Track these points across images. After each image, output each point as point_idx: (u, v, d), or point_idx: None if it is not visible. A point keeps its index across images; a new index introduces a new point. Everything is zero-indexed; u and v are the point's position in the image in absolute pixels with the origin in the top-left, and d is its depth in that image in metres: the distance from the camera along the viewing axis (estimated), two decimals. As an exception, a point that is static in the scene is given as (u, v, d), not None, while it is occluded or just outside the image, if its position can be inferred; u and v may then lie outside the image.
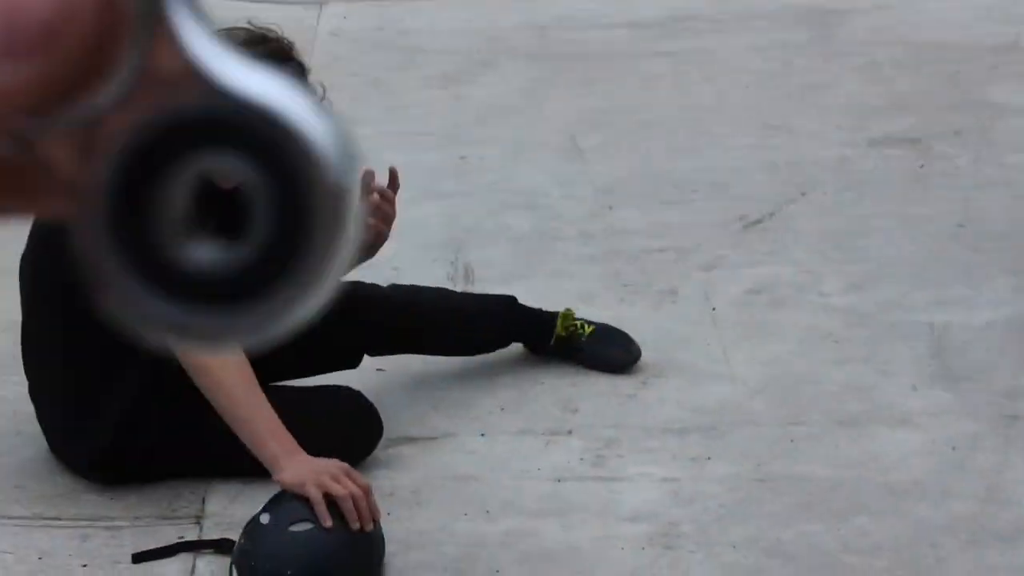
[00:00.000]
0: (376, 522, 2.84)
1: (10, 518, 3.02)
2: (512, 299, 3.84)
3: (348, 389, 3.38)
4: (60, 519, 3.04)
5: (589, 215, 4.88)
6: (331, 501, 2.77)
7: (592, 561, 2.92)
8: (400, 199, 5.05)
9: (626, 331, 3.77)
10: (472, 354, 3.71)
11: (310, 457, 2.87)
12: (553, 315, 3.78)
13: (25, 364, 3.18)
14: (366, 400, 3.33)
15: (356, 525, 2.78)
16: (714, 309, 4.03)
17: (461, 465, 3.29)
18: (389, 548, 2.91)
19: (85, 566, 2.88)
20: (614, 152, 5.52)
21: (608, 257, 4.50)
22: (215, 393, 2.91)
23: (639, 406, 3.55)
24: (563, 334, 3.73)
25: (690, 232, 4.65)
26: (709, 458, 3.30)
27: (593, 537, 3.00)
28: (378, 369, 3.76)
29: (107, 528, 3.02)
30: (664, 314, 4.06)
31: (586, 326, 3.78)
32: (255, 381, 2.91)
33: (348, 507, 2.77)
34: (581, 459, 3.31)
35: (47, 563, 2.88)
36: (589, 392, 3.62)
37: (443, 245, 4.60)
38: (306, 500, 2.77)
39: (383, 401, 3.60)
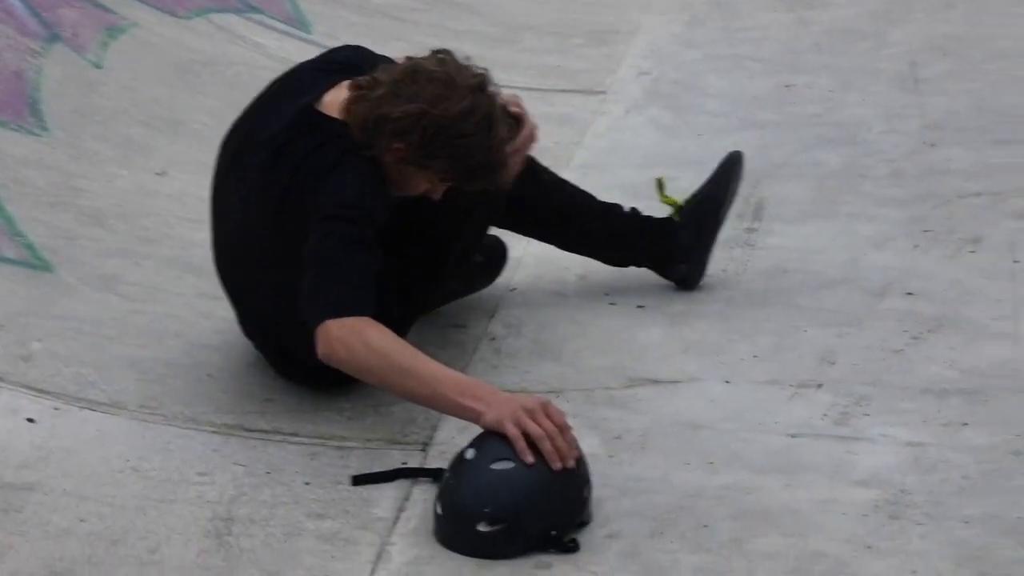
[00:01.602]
0: (581, 461, 2.77)
1: (252, 431, 3.13)
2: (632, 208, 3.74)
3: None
4: (297, 435, 3.13)
5: (908, 153, 4.56)
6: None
7: (807, 525, 2.73)
8: (712, 127, 4.92)
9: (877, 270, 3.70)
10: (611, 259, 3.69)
11: (507, 395, 2.82)
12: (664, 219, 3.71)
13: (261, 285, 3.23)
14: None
15: (557, 465, 2.71)
16: (1016, 262, 3.68)
17: (696, 412, 3.15)
18: (602, 492, 2.83)
19: (308, 484, 2.95)
20: (954, 84, 5.14)
21: (916, 200, 4.19)
22: (390, 385, 2.89)
23: (903, 363, 3.29)
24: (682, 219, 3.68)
25: (1013, 176, 4.26)
26: (966, 424, 3.02)
27: (816, 499, 2.81)
28: (638, 306, 3.66)
29: (337, 448, 3.09)
30: (959, 264, 3.74)
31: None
32: (419, 354, 2.88)
33: (546, 448, 2.71)
34: (824, 415, 3.11)
35: (273, 478, 2.96)
36: (854, 344, 3.39)
37: (744, 177, 4.40)
38: (508, 438, 2.74)
39: (636, 338, 3.51)
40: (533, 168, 3.49)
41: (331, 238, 2.94)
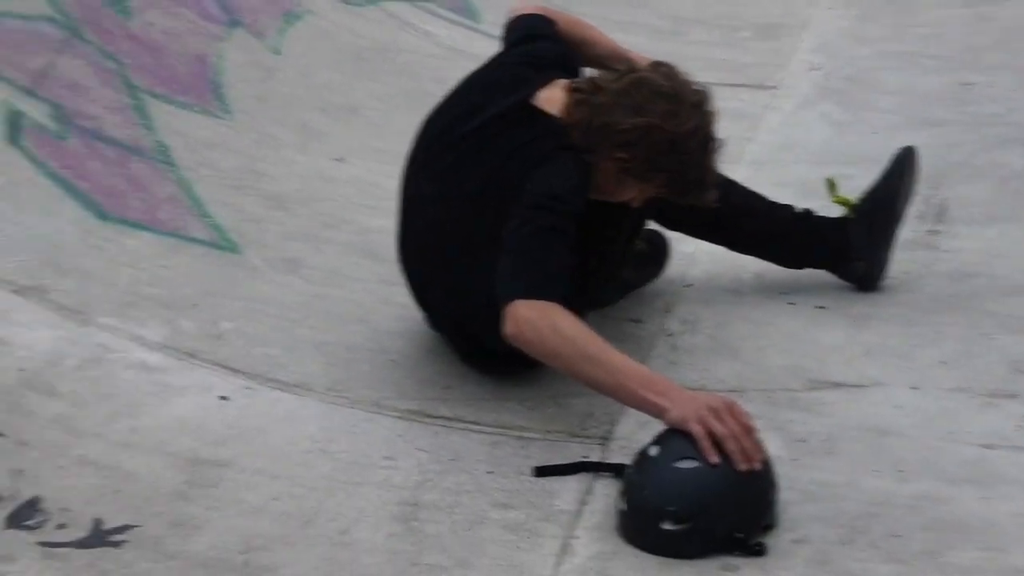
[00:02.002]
0: (767, 463, 2.74)
1: (434, 418, 3.16)
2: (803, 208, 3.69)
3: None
4: (478, 424, 3.14)
5: (1096, 156, 4.44)
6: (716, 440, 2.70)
7: (1007, 538, 2.67)
8: (887, 124, 4.83)
9: None
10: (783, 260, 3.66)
11: (691, 393, 2.80)
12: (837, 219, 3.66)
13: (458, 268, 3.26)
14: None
15: (742, 466, 2.69)
16: None
17: (883, 418, 3.10)
18: (788, 496, 2.79)
19: (491, 472, 2.96)
20: None
21: (1106, 205, 4.08)
22: (575, 372, 2.88)
23: (1101, 374, 3.21)
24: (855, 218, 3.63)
25: None
26: None
27: (1015, 513, 2.74)
28: (818, 307, 3.61)
29: (518, 438, 3.09)
30: None
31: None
32: (605, 344, 2.87)
33: (732, 448, 2.68)
34: (1018, 426, 3.03)
35: (456, 465, 2.98)
36: (1048, 353, 3.31)
37: (922, 178, 4.32)
38: (692, 436, 2.72)
39: (816, 340, 3.46)
40: None
41: (533, 225, 2.95)
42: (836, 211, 3.69)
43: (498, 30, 5.77)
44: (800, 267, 3.70)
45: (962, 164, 4.44)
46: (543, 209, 2.96)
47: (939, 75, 5.25)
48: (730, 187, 3.60)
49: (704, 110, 3.07)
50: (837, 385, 3.25)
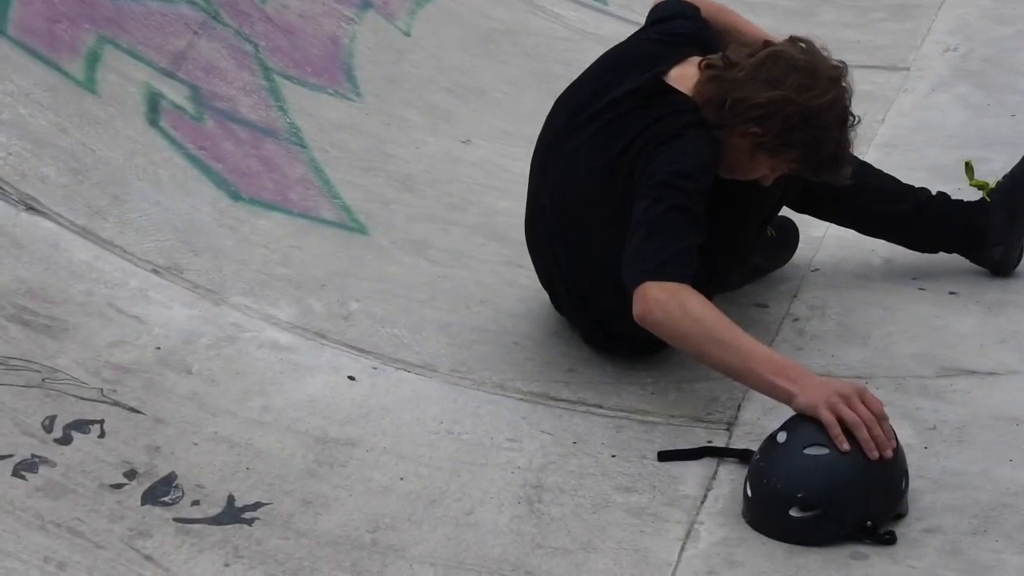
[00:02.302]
0: (897, 451, 2.70)
1: (557, 400, 3.17)
2: (942, 193, 3.60)
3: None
4: (601, 407, 3.15)
5: None
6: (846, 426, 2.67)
7: None
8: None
9: None
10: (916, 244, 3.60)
11: (821, 379, 2.77)
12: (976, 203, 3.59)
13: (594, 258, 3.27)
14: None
15: (874, 454, 2.65)
16: None
17: (1018, 406, 3.03)
18: (918, 484, 2.75)
19: (614, 456, 2.96)
20: None
21: None
22: (702, 355, 2.87)
23: None
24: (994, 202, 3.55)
25: None
26: None
27: None
28: (950, 292, 3.55)
29: (641, 422, 3.09)
30: None
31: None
32: (735, 326, 2.84)
33: (863, 435, 2.65)
34: None
35: (580, 448, 2.99)
36: None
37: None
38: (822, 423, 2.69)
39: (948, 326, 3.40)
40: None
41: (663, 204, 2.94)
42: (973, 194, 3.62)
43: (626, 12, 5.82)
44: (934, 251, 3.64)
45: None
46: (672, 187, 2.95)
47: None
48: (863, 168, 3.55)
49: (841, 84, 3.03)
50: (970, 373, 3.20)
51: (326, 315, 3.30)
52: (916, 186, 3.61)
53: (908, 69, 5.16)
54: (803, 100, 2.98)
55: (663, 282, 2.86)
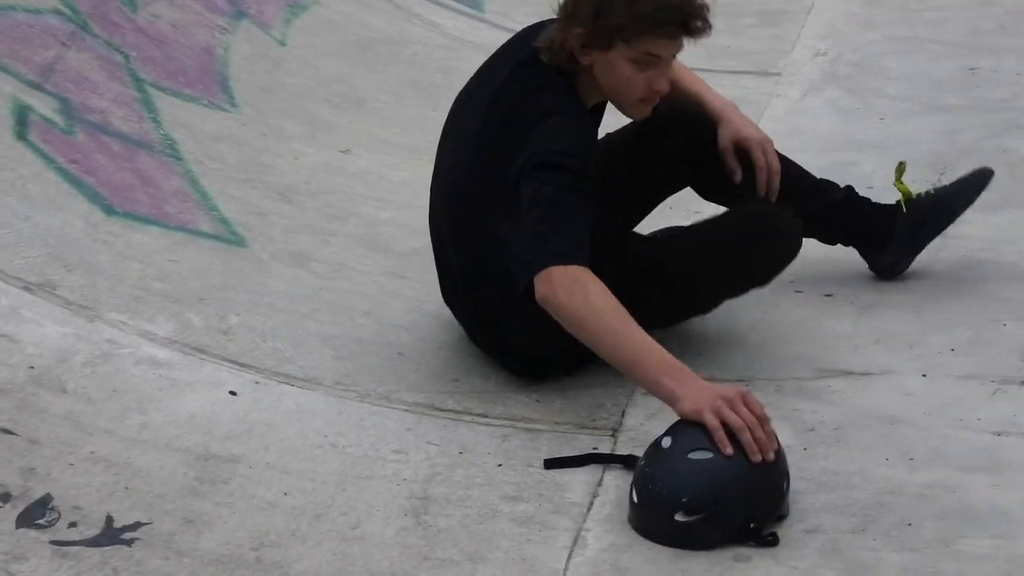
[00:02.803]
0: (779, 454, 2.73)
1: (443, 411, 3.15)
2: (849, 187, 3.64)
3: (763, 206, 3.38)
4: (486, 416, 3.14)
5: (1104, 140, 4.43)
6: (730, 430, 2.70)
7: (1019, 526, 2.66)
8: (894, 111, 4.82)
9: None
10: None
11: (706, 383, 2.79)
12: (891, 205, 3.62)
13: (479, 270, 3.24)
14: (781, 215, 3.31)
15: (757, 457, 2.69)
16: None
17: (893, 406, 3.10)
18: (798, 485, 2.79)
19: (500, 465, 2.96)
20: None
21: (1114, 190, 4.06)
22: (596, 344, 2.88)
23: (1110, 361, 3.20)
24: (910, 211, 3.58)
25: None
26: None
27: (1025, 501, 2.75)
28: (825, 295, 3.61)
29: (527, 430, 3.09)
30: None
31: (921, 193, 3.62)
32: (631, 320, 2.85)
33: (746, 439, 2.68)
34: (1029, 414, 3.03)
35: (466, 458, 2.98)
36: (1056, 340, 3.31)
37: (929, 164, 4.31)
38: (706, 427, 2.72)
39: (824, 328, 3.46)
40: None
41: (551, 185, 2.94)
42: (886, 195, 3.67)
43: (503, 20, 5.83)
44: (832, 243, 3.67)
45: (969, 150, 4.43)
46: (558, 168, 2.95)
47: (946, 60, 5.24)
48: (786, 165, 3.53)
49: None
50: (846, 373, 3.25)
51: (205, 329, 3.25)
52: (826, 180, 3.64)
53: (779, 74, 5.24)
54: None
55: (566, 266, 2.87)
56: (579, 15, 3.04)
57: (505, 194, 3.01)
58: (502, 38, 5.38)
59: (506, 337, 3.20)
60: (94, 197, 3.57)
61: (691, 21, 3.01)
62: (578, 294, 2.84)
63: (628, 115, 3.16)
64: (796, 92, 5.07)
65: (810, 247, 3.77)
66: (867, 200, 3.64)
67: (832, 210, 3.59)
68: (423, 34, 5.23)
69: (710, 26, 3.06)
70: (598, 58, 3.06)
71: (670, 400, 2.79)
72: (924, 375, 3.21)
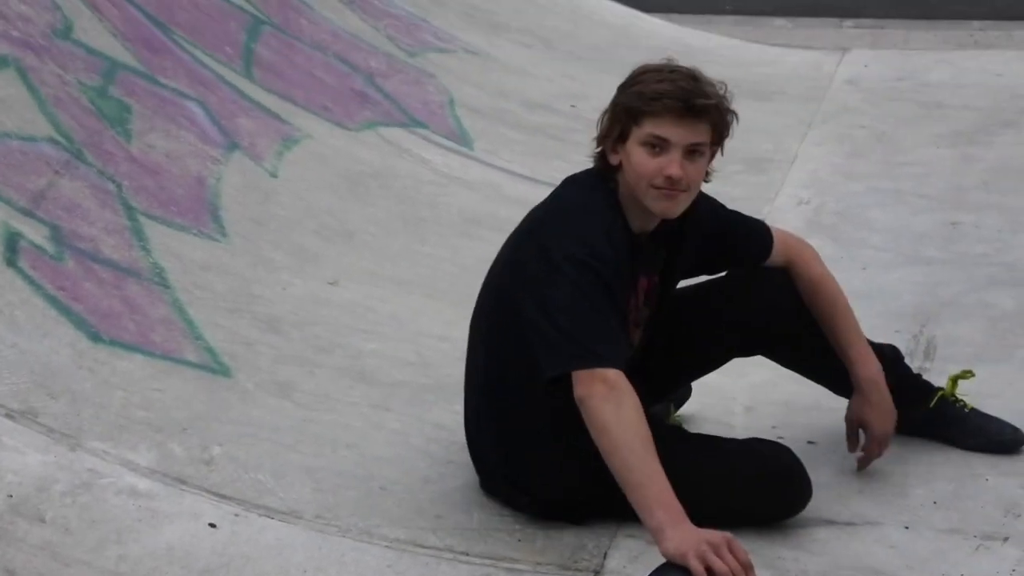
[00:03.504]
0: (761, 603, 2.72)
1: (424, 548, 3.13)
2: (896, 349, 3.61)
3: (775, 445, 3.27)
4: (468, 555, 3.12)
5: (1084, 299, 4.48)
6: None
7: None
8: (877, 261, 4.88)
9: None
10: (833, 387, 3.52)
11: (696, 528, 2.78)
12: (933, 387, 3.58)
13: (482, 404, 3.28)
14: (793, 457, 3.22)
15: (737, 602, 2.67)
16: None
17: (876, 557, 3.09)
18: (781, 635, 2.78)
19: (480, 606, 2.94)
20: None
21: (1096, 349, 4.10)
22: (612, 455, 2.89)
23: (1092, 520, 3.20)
24: (939, 404, 3.53)
25: None
26: None
27: (1007, 659, 2.73)
28: (809, 442, 3.61)
29: (508, 570, 3.07)
30: None
31: (966, 405, 3.57)
32: (652, 446, 2.87)
33: (728, 585, 2.68)
34: (1013, 571, 3.02)
35: (446, 598, 2.96)
36: (1039, 496, 3.31)
37: (910, 316, 4.36)
38: (689, 571, 2.70)
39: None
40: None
41: (571, 280, 2.99)
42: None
43: (492, 158, 5.91)
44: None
45: (951, 303, 4.48)
46: (580, 265, 3.01)
47: (928, 214, 5.31)
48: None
49: (672, 72, 3.10)
50: (829, 522, 3.24)
51: (187, 460, 3.23)
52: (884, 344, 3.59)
53: (763, 220, 5.29)
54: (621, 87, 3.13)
55: (606, 369, 2.92)
56: (601, 121, 3.14)
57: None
58: (491, 175, 5.52)
59: (518, 464, 3.20)
60: (81, 324, 3.57)
61: (692, 99, 3.04)
62: (613, 400, 2.88)
63: (650, 208, 3.12)
64: (780, 239, 5.12)
65: (796, 394, 3.81)
66: (915, 376, 3.63)
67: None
68: (412, 169, 5.29)
69: (722, 108, 3.09)
70: (622, 153, 3.12)
71: (658, 533, 2.78)
72: (907, 527, 3.21)
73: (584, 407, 2.92)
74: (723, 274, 3.48)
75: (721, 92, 3.10)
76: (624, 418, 2.87)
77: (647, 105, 3.05)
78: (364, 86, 5.76)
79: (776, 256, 3.46)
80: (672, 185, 3.06)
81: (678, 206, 3.11)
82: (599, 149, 3.16)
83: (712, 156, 3.14)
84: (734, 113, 3.12)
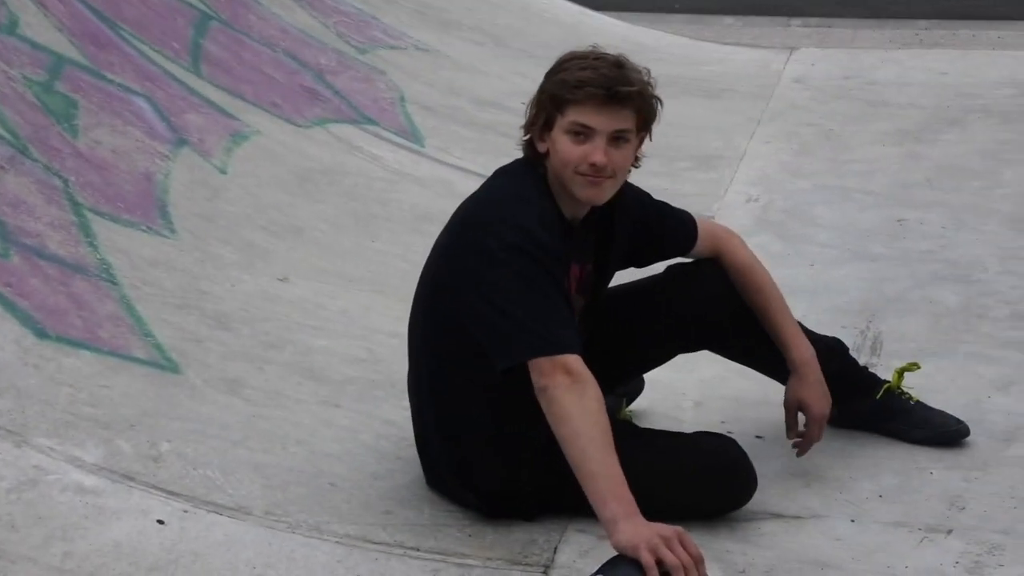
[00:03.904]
0: (710, 595, 2.74)
1: (374, 543, 3.13)
2: (841, 342, 3.63)
3: (722, 438, 3.30)
4: (418, 550, 3.12)
5: (1027, 294, 4.54)
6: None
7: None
8: (823, 258, 4.92)
9: None
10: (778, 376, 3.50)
11: (647, 522, 2.80)
12: (880, 379, 3.61)
13: (423, 399, 3.28)
14: (739, 450, 3.24)
15: (687, 595, 2.69)
16: None
17: (822, 550, 3.11)
18: (728, 628, 2.80)
19: (430, 601, 2.94)
20: (1071, 227, 5.11)
21: (1038, 342, 4.15)
22: (570, 443, 2.89)
23: (1035, 512, 3.25)
24: (884, 397, 3.56)
25: None
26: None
27: (951, 650, 2.76)
28: (756, 436, 3.64)
29: (459, 565, 3.07)
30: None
31: (912, 397, 3.60)
32: (611, 438, 2.88)
33: (678, 576, 2.69)
34: (956, 563, 3.06)
35: (397, 593, 2.96)
36: (982, 491, 3.35)
37: (857, 312, 4.40)
38: (640, 564, 2.71)
39: (756, 469, 3.47)
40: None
41: (513, 268, 3.00)
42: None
43: (443, 155, 5.91)
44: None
45: (896, 299, 4.52)
46: (520, 252, 3.00)
47: (874, 211, 5.36)
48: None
49: (597, 59, 3.09)
50: (776, 516, 3.27)
51: (135, 456, 3.21)
52: (829, 337, 3.63)
53: (713, 217, 5.33)
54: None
55: (567, 356, 2.92)
56: (530, 106, 3.14)
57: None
58: (441, 173, 5.52)
59: (471, 463, 3.20)
60: (26, 321, 3.54)
61: (615, 86, 3.04)
62: (576, 391, 2.89)
63: (576, 195, 3.12)
64: (728, 236, 5.15)
65: (745, 389, 3.83)
66: (863, 370, 3.66)
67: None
68: (363, 166, 5.28)
69: (646, 95, 3.09)
70: (548, 141, 3.12)
71: (610, 525, 2.79)
72: (853, 520, 3.24)
73: (545, 396, 2.91)
74: (659, 272, 3.50)
75: (646, 78, 3.10)
76: (586, 408, 2.88)
77: (570, 93, 3.05)
78: (314, 83, 5.74)
79: (703, 245, 3.46)
80: (597, 172, 3.06)
81: (604, 193, 3.12)
82: (527, 137, 3.17)
83: (640, 143, 3.15)
84: (659, 99, 3.13)
